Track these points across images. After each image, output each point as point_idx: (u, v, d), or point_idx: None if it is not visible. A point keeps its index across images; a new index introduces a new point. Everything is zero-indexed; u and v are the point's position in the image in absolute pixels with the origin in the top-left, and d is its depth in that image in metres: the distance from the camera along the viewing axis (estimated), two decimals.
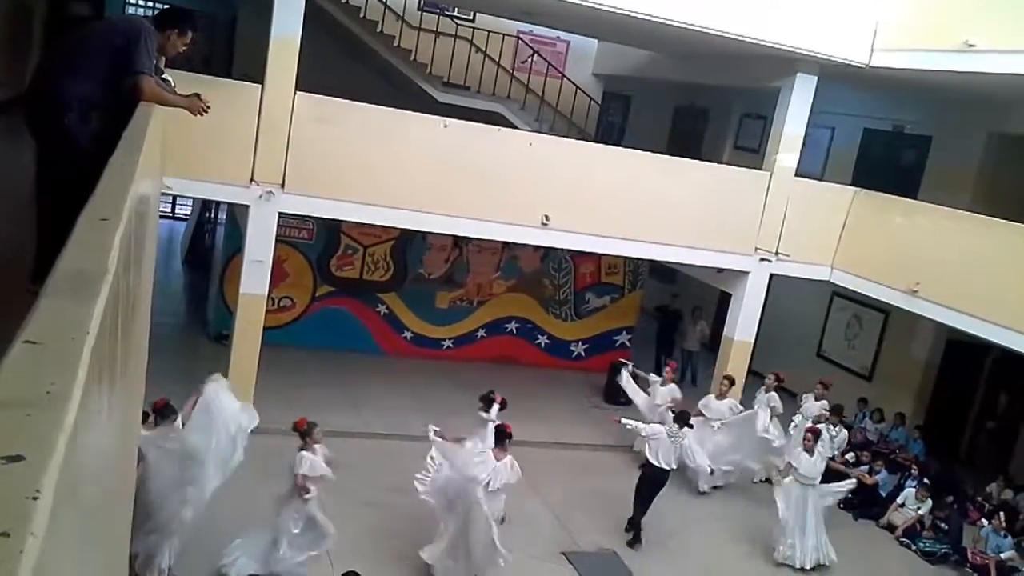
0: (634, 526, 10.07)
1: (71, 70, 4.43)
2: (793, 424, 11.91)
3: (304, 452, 7.75)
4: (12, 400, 1.02)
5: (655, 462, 9.99)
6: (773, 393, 11.82)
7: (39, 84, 4.56)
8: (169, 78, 5.22)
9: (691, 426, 10.39)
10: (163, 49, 4.97)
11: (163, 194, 8.86)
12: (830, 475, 10.70)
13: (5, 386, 1.06)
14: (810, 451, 10.13)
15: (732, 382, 12.11)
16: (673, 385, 12.09)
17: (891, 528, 11.59)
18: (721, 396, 11.99)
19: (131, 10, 17.38)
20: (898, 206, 12.59)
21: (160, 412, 7.59)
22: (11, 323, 1.76)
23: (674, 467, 10.12)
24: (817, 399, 12.37)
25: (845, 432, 12.23)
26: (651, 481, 10.07)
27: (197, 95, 5.30)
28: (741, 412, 11.78)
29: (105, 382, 1.71)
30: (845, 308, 15.19)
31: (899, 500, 11.76)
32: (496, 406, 9.56)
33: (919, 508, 11.54)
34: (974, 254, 11.20)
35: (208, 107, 5.35)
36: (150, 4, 17.46)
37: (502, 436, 8.39)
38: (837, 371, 15.22)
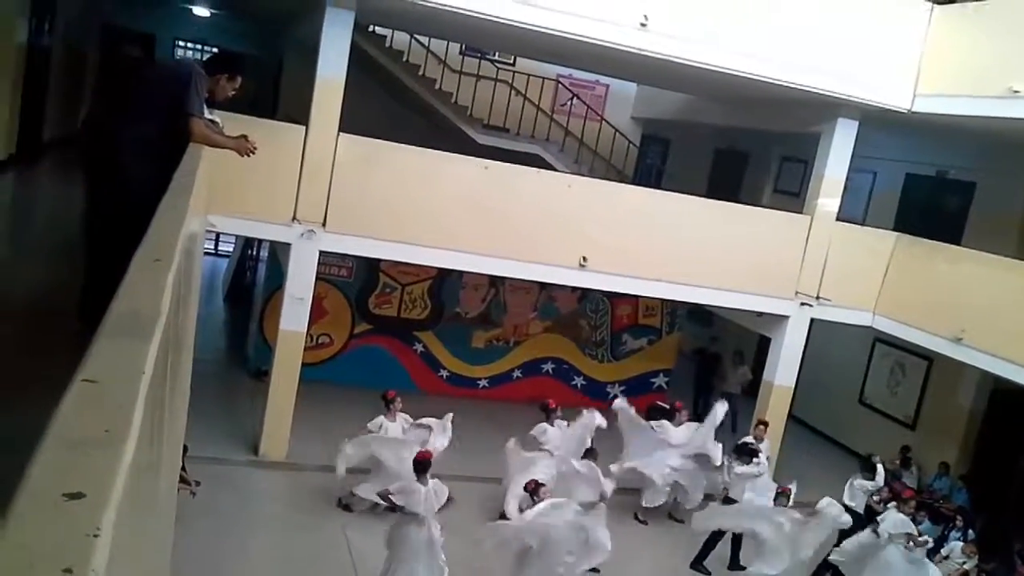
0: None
1: (126, 112, 4.57)
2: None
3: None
4: (73, 438, 1.05)
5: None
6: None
7: (95, 124, 4.70)
8: (217, 119, 5.33)
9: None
10: (213, 93, 5.10)
11: (207, 231, 9.02)
12: None
13: (65, 424, 1.09)
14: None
15: (767, 426, 11.99)
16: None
17: None
18: (758, 440, 11.82)
19: (180, 52, 17.85)
20: (942, 252, 12.41)
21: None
22: (59, 357, 1.80)
23: None
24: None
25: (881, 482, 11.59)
26: None
27: (244, 136, 5.40)
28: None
29: (156, 420, 1.75)
30: (888, 354, 14.94)
31: (943, 552, 11.44)
32: None
33: (965, 563, 11.21)
34: (1021, 301, 11.01)
35: (255, 148, 5.45)
36: (199, 47, 17.90)
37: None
38: (880, 419, 14.96)
